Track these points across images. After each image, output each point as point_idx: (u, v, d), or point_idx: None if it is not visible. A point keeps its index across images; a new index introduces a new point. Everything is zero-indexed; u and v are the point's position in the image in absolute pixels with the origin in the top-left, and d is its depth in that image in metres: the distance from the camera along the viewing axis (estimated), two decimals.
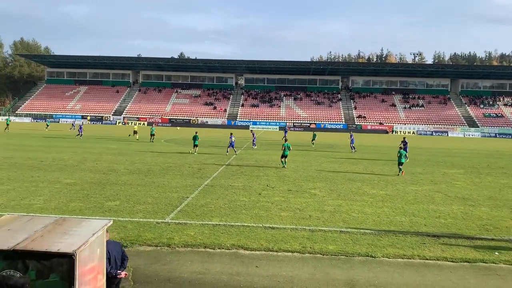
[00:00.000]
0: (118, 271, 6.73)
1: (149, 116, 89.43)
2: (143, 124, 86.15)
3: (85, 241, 5.13)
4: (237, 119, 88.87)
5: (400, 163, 24.29)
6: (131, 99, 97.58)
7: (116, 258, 6.78)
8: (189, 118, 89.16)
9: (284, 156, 25.95)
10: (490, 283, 9.05)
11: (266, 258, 10.08)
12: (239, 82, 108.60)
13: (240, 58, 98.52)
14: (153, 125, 49.25)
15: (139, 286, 8.36)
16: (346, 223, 13.28)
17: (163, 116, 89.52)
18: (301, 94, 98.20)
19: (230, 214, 13.89)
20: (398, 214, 14.65)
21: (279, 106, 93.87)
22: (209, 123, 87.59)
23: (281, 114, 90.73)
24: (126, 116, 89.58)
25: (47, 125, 62.45)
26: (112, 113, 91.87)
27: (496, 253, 10.86)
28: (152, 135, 43.35)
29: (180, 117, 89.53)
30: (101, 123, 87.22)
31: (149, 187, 17.98)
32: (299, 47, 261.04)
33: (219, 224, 12.61)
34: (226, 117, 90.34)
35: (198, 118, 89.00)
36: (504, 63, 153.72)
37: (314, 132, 47.93)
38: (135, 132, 47.46)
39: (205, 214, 13.73)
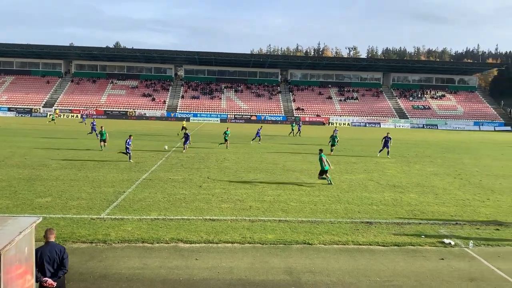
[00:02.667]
0: (44, 278, 6.28)
1: (83, 108, 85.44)
2: (76, 116, 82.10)
3: (11, 240, 4.83)
4: (177, 111, 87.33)
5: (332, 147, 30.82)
6: (63, 90, 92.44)
7: (56, 260, 6.39)
8: (126, 110, 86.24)
9: (324, 172, 18.64)
10: (416, 264, 9.70)
11: (206, 250, 10.09)
12: (178, 73, 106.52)
13: (180, 49, 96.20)
14: (98, 126, 39.04)
15: (73, 285, 8.03)
16: (285, 213, 13.60)
17: (97, 108, 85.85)
18: (241, 86, 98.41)
19: (169, 207, 13.70)
20: (334, 202, 15.23)
21: (220, 98, 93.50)
22: (147, 115, 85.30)
23: (222, 106, 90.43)
24: (58, 108, 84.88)
25: (52, 119, 61.09)
26: (42, 105, 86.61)
27: (422, 236, 11.65)
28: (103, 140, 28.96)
29: (116, 109, 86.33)
30: (30, 116, 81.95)
31: (83, 182, 17.25)
32: (239, 40, 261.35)
33: (158, 218, 12.40)
34: (165, 109, 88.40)
35: (136, 110, 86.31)
36: (431, 58, 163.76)
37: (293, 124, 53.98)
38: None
39: (143, 209, 13.43)
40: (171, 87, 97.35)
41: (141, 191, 16.01)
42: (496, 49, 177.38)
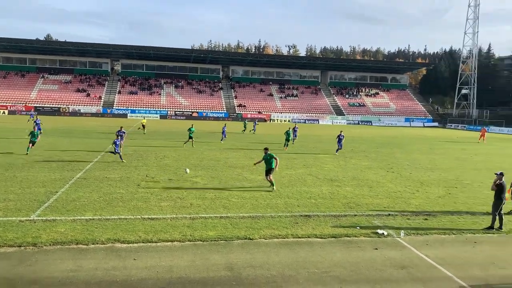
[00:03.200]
0: None
1: (10, 104, 79.93)
2: (3, 113, 76.69)
3: None
4: (114, 107, 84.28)
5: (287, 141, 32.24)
6: None
7: None
8: (59, 106, 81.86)
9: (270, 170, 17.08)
10: (352, 255, 10.09)
11: (145, 250, 9.83)
12: (115, 68, 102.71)
13: (117, 43, 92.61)
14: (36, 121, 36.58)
15: None
16: (226, 209, 13.59)
17: (27, 104, 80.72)
18: (182, 82, 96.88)
19: (106, 207, 13.19)
20: (274, 197, 15.45)
21: (160, 94, 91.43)
22: (82, 111, 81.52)
23: (161, 102, 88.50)
24: None
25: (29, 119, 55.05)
26: None
27: (358, 227, 12.14)
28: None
29: (48, 105, 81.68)
30: None
31: (11, 182, 16.14)
32: (179, 35, 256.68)
33: (93, 219, 11.90)
34: (101, 105, 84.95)
35: (69, 106, 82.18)
36: (366, 57, 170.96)
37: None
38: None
39: (77, 209, 12.82)
40: (107, 82, 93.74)
41: (75, 190, 15.27)
42: (425, 49, 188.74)
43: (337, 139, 30.85)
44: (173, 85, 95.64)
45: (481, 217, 13.79)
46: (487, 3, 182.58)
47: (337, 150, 30.43)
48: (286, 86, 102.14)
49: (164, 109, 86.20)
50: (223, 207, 13.78)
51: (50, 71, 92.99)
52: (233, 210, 13.45)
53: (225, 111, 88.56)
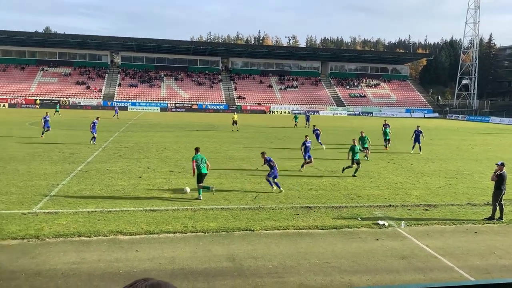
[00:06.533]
0: None
1: (10, 97, 79.83)
2: (4, 106, 76.64)
3: None
4: (114, 100, 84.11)
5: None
6: None
7: None
8: (59, 98, 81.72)
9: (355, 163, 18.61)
10: (353, 246, 10.15)
11: (147, 241, 9.89)
12: (115, 60, 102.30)
13: (115, 35, 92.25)
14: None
15: (3, 284, 7.55)
16: (227, 201, 13.65)
17: (27, 97, 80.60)
18: (182, 74, 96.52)
19: (108, 199, 13.25)
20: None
21: (160, 86, 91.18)
22: (82, 104, 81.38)
23: (161, 95, 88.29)
24: None
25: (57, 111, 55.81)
26: None
27: (359, 218, 12.19)
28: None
29: (48, 98, 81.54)
30: None
31: (12, 176, 16.19)
32: (179, 26, 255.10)
33: (95, 211, 11.95)
34: (101, 97, 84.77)
35: (69, 99, 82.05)
36: (366, 48, 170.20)
37: (296, 115, 50.49)
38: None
39: (79, 202, 12.88)
40: (107, 74, 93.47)
41: (77, 183, 15.33)
42: (425, 40, 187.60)
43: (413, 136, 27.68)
44: (173, 77, 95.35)
45: (481, 207, 13.84)
46: None
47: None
48: (286, 78, 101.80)
49: (164, 102, 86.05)
50: (224, 199, 13.83)
51: (50, 64, 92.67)
52: (234, 202, 13.50)
53: (224, 103, 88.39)
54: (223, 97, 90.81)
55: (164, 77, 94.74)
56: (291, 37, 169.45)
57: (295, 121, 47.70)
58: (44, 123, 29.38)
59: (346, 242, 10.34)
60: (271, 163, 14.97)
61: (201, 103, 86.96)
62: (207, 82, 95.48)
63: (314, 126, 30.85)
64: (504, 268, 9.12)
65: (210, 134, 36.15)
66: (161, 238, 10.13)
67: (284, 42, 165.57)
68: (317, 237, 10.61)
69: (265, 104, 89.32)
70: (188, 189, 14.54)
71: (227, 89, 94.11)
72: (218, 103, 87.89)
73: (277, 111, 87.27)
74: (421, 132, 27.46)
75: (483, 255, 9.80)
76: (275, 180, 15.03)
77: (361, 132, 24.94)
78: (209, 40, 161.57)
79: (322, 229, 11.22)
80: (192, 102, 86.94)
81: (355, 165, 18.45)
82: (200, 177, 13.88)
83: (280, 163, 21.17)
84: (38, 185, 14.80)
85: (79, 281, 7.83)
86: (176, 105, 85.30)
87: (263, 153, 15.68)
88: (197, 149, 14.94)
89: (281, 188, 14.95)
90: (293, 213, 12.48)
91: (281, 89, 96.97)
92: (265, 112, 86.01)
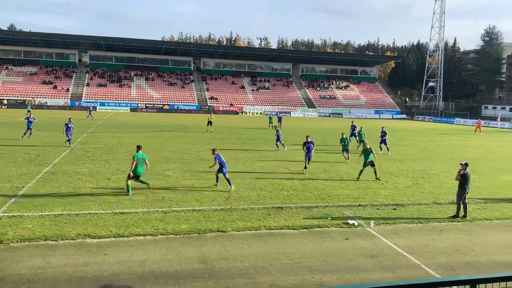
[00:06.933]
0: None
1: None
2: None
3: None
4: (82, 100, 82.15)
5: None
6: None
7: None
8: (24, 98, 79.12)
9: (368, 164, 18.70)
10: (324, 245, 10.27)
11: (116, 244, 9.70)
12: (83, 59, 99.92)
13: (84, 34, 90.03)
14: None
15: None
16: (199, 202, 13.55)
17: None
18: (152, 74, 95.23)
19: (75, 202, 12.92)
20: (247, 189, 15.50)
21: (130, 86, 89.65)
22: (49, 104, 79.05)
23: (132, 95, 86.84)
24: None
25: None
26: None
27: (329, 218, 12.35)
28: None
29: (13, 97, 78.83)
30: None
31: None
32: (149, 26, 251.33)
33: (62, 214, 11.64)
34: (69, 97, 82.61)
35: (35, 99, 79.54)
36: (337, 50, 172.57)
37: (271, 116, 51.30)
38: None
39: (45, 205, 12.50)
40: (75, 74, 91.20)
41: (43, 185, 14.88)
42: (394, 43, 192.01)
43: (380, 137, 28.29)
44: (144, 77, 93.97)
45: (446, 206, 14.28)
46: None
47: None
48: (258, 79, 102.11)
49: (134, 102, 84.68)
50: (196, 200, 13.74)
51: (14, 62, 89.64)
52: (205, 203, 13.43)
53: (197, 104, 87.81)
54: (195, 97, 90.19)
55: (134, 77, 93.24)
56: (263, 39, 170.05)
57: (270, 122, 47.86)
58: (27, 124, 28.55)
59: (317, 242, 10.45)
60: (220, 160, 15.31)
61: (173, 103, 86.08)
62: (179, 82, 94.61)
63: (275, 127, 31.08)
64: (468, 265, 9.43)
65: (182, 135, 35.83)
66: (130, 241, 9.96)
67: (256, 43, 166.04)
68: (288, 237, 10.68)
69: (237, 105, 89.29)
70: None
71: (199, 90, 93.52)
72: (190, 104, 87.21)
73: (249, 112, 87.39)
74: (385, 133, 28.43)
75: (449, 252, 10.11)
76: (226, 177, 15.32)
77: (342, 133, 25.42)
78: (180, 40, 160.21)
79: (293, 229, 11.31)
80: (164, 103, 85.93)
81: (367, 167, 18.36)
82: (136, 176, 14.35)
83: (251, 163, 21.23)
84: (1, 187, 14.29)
85: (44, 286, 7.60)
86: (147, 105, 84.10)
87: (213, 150, 15.95)
88: (138, 147, 15.18)
89: (232, 186, 15.26)
90: (264, 214, 12.53)
91: (253, 90, 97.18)
92: (237, 113, 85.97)
